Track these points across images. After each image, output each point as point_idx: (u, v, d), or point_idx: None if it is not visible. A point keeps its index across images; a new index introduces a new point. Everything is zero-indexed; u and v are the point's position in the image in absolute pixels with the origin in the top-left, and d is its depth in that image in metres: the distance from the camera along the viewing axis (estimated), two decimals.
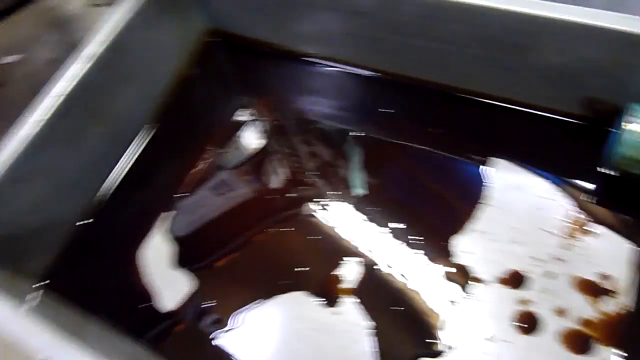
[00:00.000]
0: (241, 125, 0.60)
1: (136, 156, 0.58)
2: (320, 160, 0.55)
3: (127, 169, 0.57)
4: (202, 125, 0.62)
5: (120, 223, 0.55)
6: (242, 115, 0.61)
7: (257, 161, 0.56)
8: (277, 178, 0.54)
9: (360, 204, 0.51)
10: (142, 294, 0.49)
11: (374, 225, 0.49)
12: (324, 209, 0.51)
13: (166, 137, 0.60)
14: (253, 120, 0.60)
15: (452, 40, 0.50)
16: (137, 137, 0.59)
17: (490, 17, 0.46)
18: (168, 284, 0.49)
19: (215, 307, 0.47)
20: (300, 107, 0.60)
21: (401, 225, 0.49)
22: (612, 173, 0.46)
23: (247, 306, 0.47)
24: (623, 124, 0.44)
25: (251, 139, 0.58)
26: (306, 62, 0.62)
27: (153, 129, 0.60)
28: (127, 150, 0.58)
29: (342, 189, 0.52)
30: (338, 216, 0.50)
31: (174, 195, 0.55)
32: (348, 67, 0.60)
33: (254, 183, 0.55)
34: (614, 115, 0.47)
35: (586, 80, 0.47)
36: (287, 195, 0.53)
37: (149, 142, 0.60)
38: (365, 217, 0.50)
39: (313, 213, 0.51)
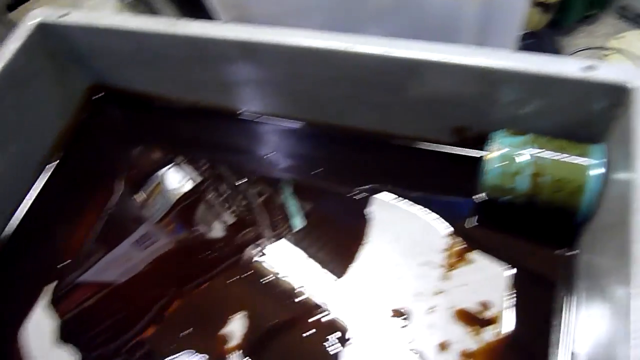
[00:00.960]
0: (150, 174, 0.58)
1: (20, 222, 0.56)
2: (243, 202, 0.54)
3: (10, 237, 0.55)
4: (97, 181, 0.60)
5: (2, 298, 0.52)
6: (148, 164, 0.59)
7: (183, 208, 0.55)
8: (208, 225, 0.53)
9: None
10: None
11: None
12: (261, 253, 0.50)
13: (54, 197, 0.58)
14: (167, 168, 0.59)
15: (322, 82, 0.50)
16: (19, 200, 0.57)
17: (355, 59, 0.46)
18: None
19: None
20: (199, 152, 0.59)
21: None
22: (484, 200, 0.47)
23: None
24: (485, 154, 0.45)
25: (173, 185, 0.57)
26: (192, 110, 0.61)
27: (39, 191, 0.58)
28: (8, 217, 0.55)
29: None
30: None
31: (61, 265, 0.52)
32: (228, 113, 0.59)
33: (180, 232, 0.53)
34: (484, 142, 0.48)
35: (451, 112, 0.48)
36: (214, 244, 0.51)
37: (34, 205, 0.57)
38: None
39: (252, 259, 0.50)
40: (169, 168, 0.59)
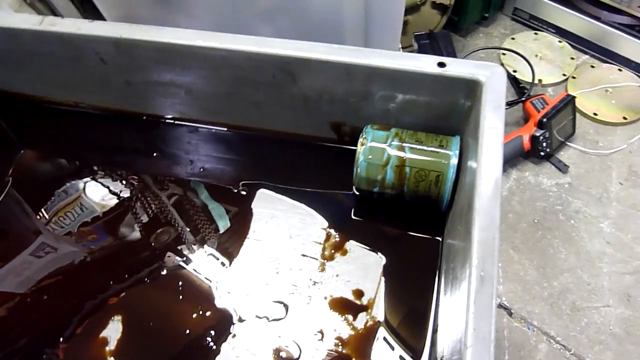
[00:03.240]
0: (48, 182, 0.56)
1: None
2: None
3: None
4: None
5: None
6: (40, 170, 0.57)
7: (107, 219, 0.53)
8: (133, 230, 0.51)
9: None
10: None
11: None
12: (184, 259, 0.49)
13: None
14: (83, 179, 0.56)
15: (200, 80, 0.50)
16: None
17: (228, 57, 0.47)
18: None
19: None
20: (93, 155, 0.58)
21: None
22: (358, 192, 0.48)
23: None
24: (358, 146, 0.46)
25: (94, 197, 0.54)
26: (78, 112, 0.59)
27: None
28: None
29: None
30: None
31: None
32: (96, 111, 0.58)
33: (102, 241, 0.51)
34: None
35: (326, 108, 0.49)
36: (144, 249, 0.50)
37: None
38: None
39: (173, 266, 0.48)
40: (77, 180, 0.56)
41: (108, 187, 0.55)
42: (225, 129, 0.56)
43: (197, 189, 0.53)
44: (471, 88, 0.43)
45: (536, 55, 1.20)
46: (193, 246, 0.49)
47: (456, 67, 0.43)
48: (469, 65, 0.43)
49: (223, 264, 0.48)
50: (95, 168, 0.56)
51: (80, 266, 0.49)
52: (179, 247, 0.49)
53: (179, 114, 0.56)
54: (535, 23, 1.26)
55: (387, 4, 0.61)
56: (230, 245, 0.49)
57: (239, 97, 0.51)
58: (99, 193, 0.54)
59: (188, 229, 0.50)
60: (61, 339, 0.45)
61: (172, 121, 0.57)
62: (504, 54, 1.21)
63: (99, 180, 0.55)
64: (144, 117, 0.58)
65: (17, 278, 0.49)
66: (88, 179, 0.55)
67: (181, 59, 0.48)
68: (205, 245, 0.49)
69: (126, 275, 0.48)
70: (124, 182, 0.55)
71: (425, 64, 0.43)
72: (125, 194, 0.54)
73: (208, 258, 0.49)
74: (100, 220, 0.53)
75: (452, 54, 1.03)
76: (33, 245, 0.52)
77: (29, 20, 0.50)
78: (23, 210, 0.55)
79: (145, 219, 0.52)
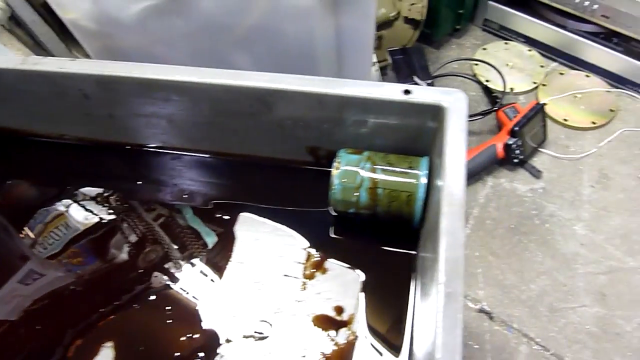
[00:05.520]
0: (33, 209, 0.57)
1: None
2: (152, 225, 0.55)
3: None
4: None
5: None
6: (27, 199, 0.59)
7: (89, 241, 0.55)
8: (120, 251, 0.53)
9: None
10: None
11: None
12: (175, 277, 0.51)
13: None
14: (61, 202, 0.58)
15: (180, 111, 0.52)
16: None
17: (207, 90, 0.49)
18: None
19: None
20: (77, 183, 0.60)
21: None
22: (335, 213, 0.51)
23: None
24: (332, 170, 0.49)
25: (77, 218, 0.56)
26: (64, 144, 0.61)
27: None
28: None
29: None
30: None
31: None
32: (81, 142, 0.61)
33: (89, 264, 0.53)
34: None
35: (301, 134, 0.52)
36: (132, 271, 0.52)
37: None
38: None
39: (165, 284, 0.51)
40: (62, 201, 0.58)
41: (91, 210, 0.57)
42: (207, 155, 0.58)
43: (183, 210, 0.55)
44: (435, 112, 0.46)
45: (507, 65, 1.25)
46: (180, 263, 0.52)
47: (420, 94, 0.46)
48: (432, 92, 0.46)
49: (211, 281, 0.50)
50: (80, 192, 0.58)
51: (68, 291, 0.51)
52: (166, 266, 0.51)
53: (162, 142, 0.58)
54: (505, 33, 1.31)
55: (357, 29, 0.64)
56: (213, 267, 0.51)
57: (218, 126, 0.53)
58: (82, 214, 0.56)
59: (175, 247, 0.53)
60: None
61: (155, 150, 0.59)
62: (476, 64, 1.25)
63: (84, 202, 0.57)
64: (128, 147, 0.60)
65: (6, 306, 0.51)
66: (71, 201, 0.58)
67: (162, 92, 0.51)
68: (194, 263, 0.51)
69: (115, 299, 0.50)
70: (109, 205, 0.57)
71: (392, 91, 0.46)
72: (112, 216, 0.56)
73: (195, 277, 0.51)
74: (86, 240, 0.55)
75: (425, 67, 1.07)
76: (21, 273, 0.53)
77: (12, 61, 0.52)
78: (11, 237, 0.56)
79: (133, 239, 0.54)
